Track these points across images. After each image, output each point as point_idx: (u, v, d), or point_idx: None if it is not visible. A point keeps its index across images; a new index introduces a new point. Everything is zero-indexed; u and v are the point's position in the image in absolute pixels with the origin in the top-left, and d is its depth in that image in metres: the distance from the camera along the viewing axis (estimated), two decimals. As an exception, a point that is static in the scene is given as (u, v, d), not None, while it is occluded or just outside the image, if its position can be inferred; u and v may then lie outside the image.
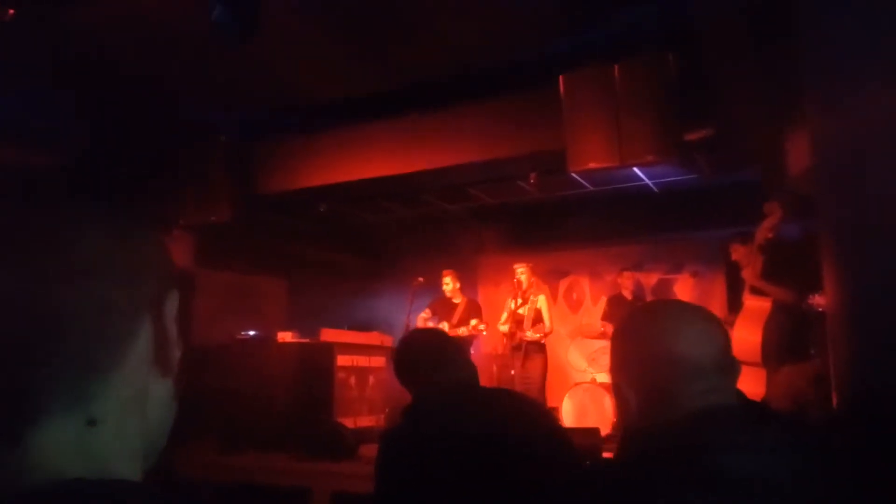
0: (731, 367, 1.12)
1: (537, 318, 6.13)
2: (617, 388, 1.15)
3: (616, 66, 4.76)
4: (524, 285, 6.13)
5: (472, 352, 7.37)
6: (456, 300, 6.43)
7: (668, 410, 1.04)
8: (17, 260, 0.52)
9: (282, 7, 4.13)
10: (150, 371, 0.59)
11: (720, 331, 1.14)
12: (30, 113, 4.79)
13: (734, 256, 5.04)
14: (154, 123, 5.65)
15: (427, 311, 6.47)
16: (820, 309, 4.11)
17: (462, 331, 6.22)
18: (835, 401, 2.06)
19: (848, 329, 2.02)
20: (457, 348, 2.10)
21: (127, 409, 0.57)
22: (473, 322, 6.24)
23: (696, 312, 1.17)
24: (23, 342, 0.51)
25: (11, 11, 4.10)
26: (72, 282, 0.53)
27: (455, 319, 6.31)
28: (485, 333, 6.38)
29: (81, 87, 4.90)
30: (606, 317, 6.52)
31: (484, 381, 2.08)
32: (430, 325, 6.37)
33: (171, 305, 0.61)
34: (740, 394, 1.13)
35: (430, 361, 1.97)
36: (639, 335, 1.15)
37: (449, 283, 6.42)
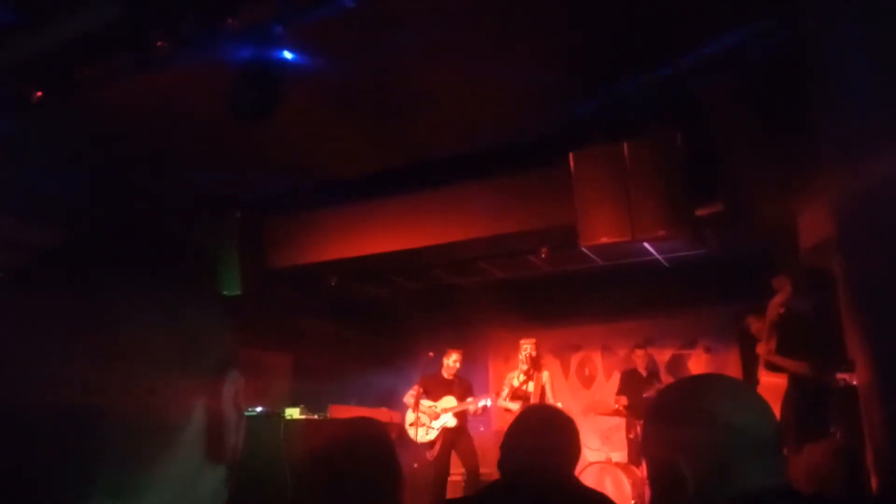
0: (782, 448, 1.10)
1: (543, 395, 6.00)
2: (665, 466, 1.09)
3: (625, 145, 4.84)
4: (531, 361, 6.03)
5: (481, 429, 7.20)
6: (449, 377, 6.28)
7: (727, 488, 1.01)
8: (58, 342, 0.49)
9: (297, 87, 4.25)
10: (202, 459, 0.55)
11: (772, 411, 1.12)
12: (45, 187, 4.87)
13: (752, 330, 4.99)
14: (169, 198, 5.73)
15: (416, 388, 6.22)
16: (843, 384, 4.02)
17: (473, 408, 6.10)
18: (875, 484, 1.96)
19: (883, 407, 1.95)
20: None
21: (174, 499, 0.53)
22: (483, 402, 6.13)
23: (750, 390, 1.20)
24: (63, 430, 0.48)
25: (39, 94, 4.25)
26: (116, 366, 0.50)
27: (457, 397, 6.18)
28: (489, 405, 6.22)
29: (98, 162, 5.01)
30: (621, 391, 6.38)
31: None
32: (424, 402, 6.16)
33: (230, 388, 0.57)
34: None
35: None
36: (698, 410, 1.11)
37: (456, 362, 6.29)
